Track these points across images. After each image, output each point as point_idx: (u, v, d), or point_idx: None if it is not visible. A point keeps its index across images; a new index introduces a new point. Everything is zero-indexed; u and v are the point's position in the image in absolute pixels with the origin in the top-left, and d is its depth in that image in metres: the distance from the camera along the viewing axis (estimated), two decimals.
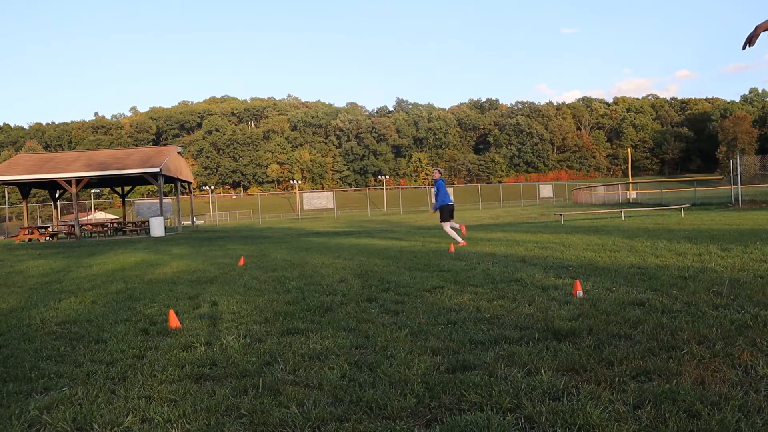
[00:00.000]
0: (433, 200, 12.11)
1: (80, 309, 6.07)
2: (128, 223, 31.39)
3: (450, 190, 13.25)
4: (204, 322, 5.06)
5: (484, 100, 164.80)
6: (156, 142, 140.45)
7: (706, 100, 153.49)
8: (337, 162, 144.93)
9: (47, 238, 27.41)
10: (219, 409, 2.86)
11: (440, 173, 12.33)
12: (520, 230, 15.94)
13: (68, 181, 26.86)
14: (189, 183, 34.58)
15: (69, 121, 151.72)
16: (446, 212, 11.88)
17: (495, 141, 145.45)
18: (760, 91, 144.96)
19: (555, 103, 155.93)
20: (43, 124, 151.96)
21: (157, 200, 33.04)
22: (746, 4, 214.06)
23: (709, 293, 5.00)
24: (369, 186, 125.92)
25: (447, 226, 11.92)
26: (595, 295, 5.19)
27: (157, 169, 26.46)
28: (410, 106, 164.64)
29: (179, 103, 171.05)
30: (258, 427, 2.65)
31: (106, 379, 3.48)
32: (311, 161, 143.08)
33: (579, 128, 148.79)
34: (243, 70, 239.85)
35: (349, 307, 5.31)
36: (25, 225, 29.25)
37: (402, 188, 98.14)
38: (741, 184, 24.86)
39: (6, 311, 6.21)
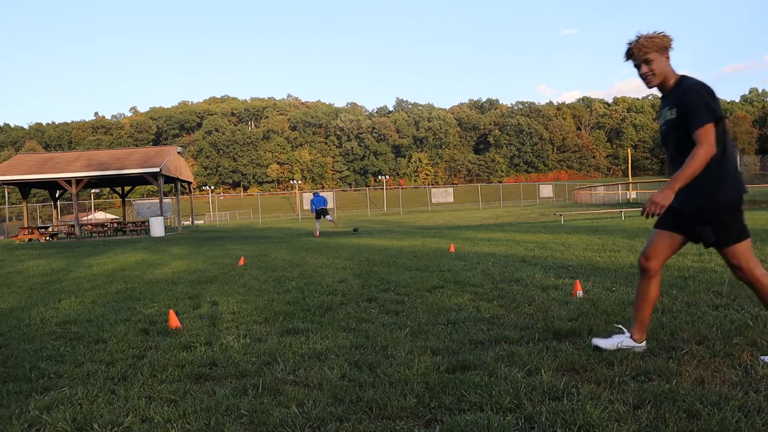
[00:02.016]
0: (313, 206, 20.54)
1: (80, 309, 6.07)
2: (128, 223, 31.41)
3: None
4: (204, 322, 5.06)
5: (484, 100, 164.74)
6: (156, 142, 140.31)
7: None
8: (337, 162, 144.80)
9: (47, 238, 27.40)
10: (219, 409, 2.85)
11: (314, 193, 21.17)
12: (520, 230, 15.94)
13: (68, 181, 26.86)
14: (189, 183, 34.57)
15: (69, 121, 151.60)
16: (318, 212, 20.31)
17: (495, 141, 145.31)
18: (760, 91, 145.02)
19: (555, 103, 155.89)
20: (43, 124, 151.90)
21: (157, 200, 33.03)
22: (746, 4, 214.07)
23: (709, 293, 5.00)
24: (369, 186, 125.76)
25: (318, 222, 20.10)
26: (595, 295, 5.19)
27: (157, 169, 26.47)
28: (410, 106, 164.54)
29: (179, 103, 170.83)
30: (258, 427, 2.65)
31: (106, 379, 3.48)
32: (311, 161, 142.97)
33: (579, 128, 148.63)
34: (243, 70, 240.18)
35: (349, 307, 5.31)
36: (25, 225, 29.24)
37: (402, 188, 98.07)
38: None
39: (6, 311, 6.21)
